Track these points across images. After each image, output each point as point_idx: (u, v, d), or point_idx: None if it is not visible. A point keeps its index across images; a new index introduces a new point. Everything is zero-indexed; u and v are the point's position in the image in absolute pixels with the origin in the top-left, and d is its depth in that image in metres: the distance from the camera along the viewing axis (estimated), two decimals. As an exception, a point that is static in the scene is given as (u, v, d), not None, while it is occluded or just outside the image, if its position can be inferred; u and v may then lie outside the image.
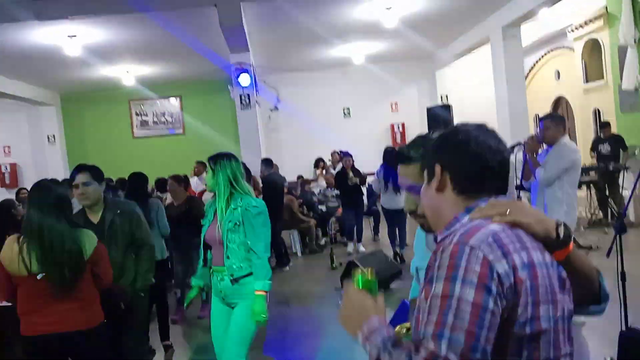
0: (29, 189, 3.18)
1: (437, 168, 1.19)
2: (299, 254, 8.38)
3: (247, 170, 5.41)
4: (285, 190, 8.50)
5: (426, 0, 7.58)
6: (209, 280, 3.06)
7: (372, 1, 7.31)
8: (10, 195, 10.88)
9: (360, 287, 1.21)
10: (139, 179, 4.80)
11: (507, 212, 1.11)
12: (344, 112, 12.53)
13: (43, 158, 12.33)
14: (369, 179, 8.20)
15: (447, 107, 10.60)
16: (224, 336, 2.95)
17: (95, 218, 3.19)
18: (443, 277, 1.03)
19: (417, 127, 11.55)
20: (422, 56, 11.65)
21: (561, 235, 1.13)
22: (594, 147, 8.43)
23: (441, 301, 1.01)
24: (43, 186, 2.76)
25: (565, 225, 1.15)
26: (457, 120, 10.92)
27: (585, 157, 8.46)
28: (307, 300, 6.04)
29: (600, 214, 8.14)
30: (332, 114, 12.30)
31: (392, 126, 12.42)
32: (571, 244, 1.16)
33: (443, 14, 8.22)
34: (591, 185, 8.20)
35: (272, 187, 7.53)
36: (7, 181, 12.45)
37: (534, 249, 1.09)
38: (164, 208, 5.13)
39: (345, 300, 1.22)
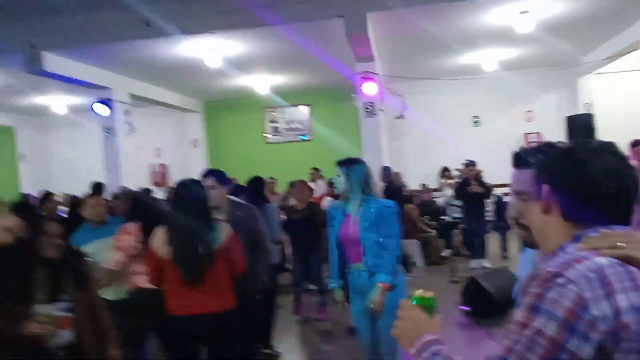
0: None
1: (545, 189, 1.09)
2: (420, 264, 8.22)
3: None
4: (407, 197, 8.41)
5: (566, 3, 7.02)
6: (346, 279, 3.19)
7: (505, 6, 6.96)
8: (162, 192, 12.21)
9: (415, 304, 1.22)
10: (258, 183, 5.04)
11: (621, 245, 0.97)
12: (472, 121, 12.05)
13: (188, 160, 13.59)
14: (498, 191, 7.78)
15: (590, 116, 9.67)
16: (370, 331, 3.10)
17: (226, 217, 3.42)
18: (527, 305, 0.95)
19: (555, 137, 10.68)
20: (561, 62, 10.77)
21: None
22: None
23: (518, 328, 0.95)
24: (185, 185, 3.10)
25: None
26: (601, 130, 9.92)
27: None
28: None
29: None
30: (460, 122, 11.90)
31: (526, 136, 11.65)
32: None
33: (585, 17, 7.55)
34: None
35: (391, 195, 7.50)
36: (159, 179, 13.93)
37: None
38: (287, 210, 5.37)
39: (400, 314, 1.22)
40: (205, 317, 2.90)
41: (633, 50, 8.80)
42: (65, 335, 2.51)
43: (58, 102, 11.85)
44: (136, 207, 3.85)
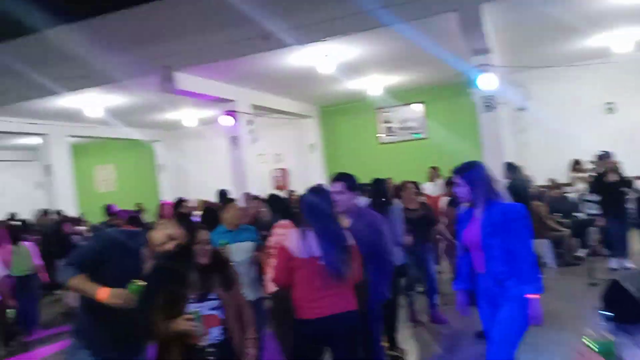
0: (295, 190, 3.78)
1: None
2: (552, 265, 7.69)
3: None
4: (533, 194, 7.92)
5: None
6: (473, 283, 3.13)
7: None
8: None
9: (598, 352, 1.09)
10: (381, 184, 5.01)
11: None
12: (605, 108, 11.00)
13: (306, 164, 14.06)
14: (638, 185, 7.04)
15: None
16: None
17: (344, 223, 3.46)
18: None
19: None
20: None
21: None
22: None
23: None
24: (318, 190, 3.28)
25: None
26: None
27: None
28: (559, 319, 5.46)
29: None
30: (590, 110, 10.94)
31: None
32: None
33: None
34: None
35: (515, 192, 7.12)
36: (280, 183, 14.60)
37: None
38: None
39: None
40: (334, 318, 2.96)
41: None
42: (215, 333, 2.73)
43: (189, 116, 12.92)
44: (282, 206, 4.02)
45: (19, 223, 9.80)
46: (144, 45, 8.12)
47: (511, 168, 7.59)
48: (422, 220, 5.34)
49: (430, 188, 8.84)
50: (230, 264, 3.08)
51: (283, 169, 14.66)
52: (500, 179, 7.32)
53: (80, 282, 2.51)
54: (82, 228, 9.03)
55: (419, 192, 6.17)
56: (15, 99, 9.41)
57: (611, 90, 10.83)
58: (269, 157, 14.46)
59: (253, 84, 10.34)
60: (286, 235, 3.17)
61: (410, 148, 12.96)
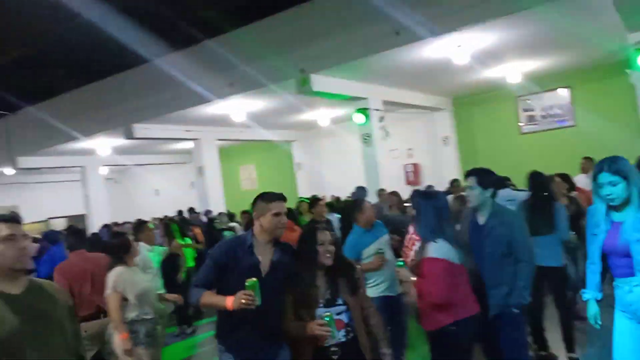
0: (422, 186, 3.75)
1: None
2: None
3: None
4: None
5: None
6: (610, 292, 2.84)
7: None
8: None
9: None
10: (540, 178, 4.64)
11: None
12: None
13: (439, 158, 13.74)
14: None
15: None
16: (633, 354, 2.70)
17: (482, 220, 3.38)
18: None
19: None
20: None
21: None
22: None
23: None
24: (431, 193, 3.30)
25: None
26: None
27: None
28: None
29: None
30: None
31: None
32: None
33: None
34: None
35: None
36: (411, 179, 14.46)
37: None
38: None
39: None
40: (476, 318, 3.00)
41: None
42: (340, 335, 2.74)
43: (323, 115, 13.35)
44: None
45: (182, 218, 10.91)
46: (282, 51, 8.59)
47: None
48: (573, 217, 4.92)
49: (583, 181, 8.08)
50: (355, 267, 3.03)
51: (415, 164, 14.48)
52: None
53: (208, 299, 2.80)
54: (233, 224, 9.79)
55: (570, 186, 5.69)
56: (174, 108, 10.52)
57: None
58: (401, 153, 14.39)
59: (385, 80, 10.36)
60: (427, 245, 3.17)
61: (555, 138, 12.01)
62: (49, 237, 7.37)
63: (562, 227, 4.34)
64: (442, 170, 13.37)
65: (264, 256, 2.85)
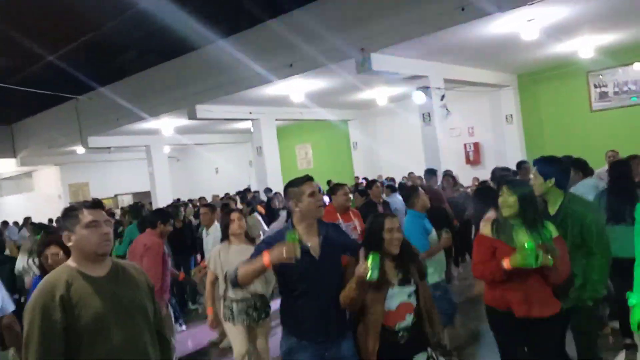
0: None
1: None
2: None
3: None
4: None
5: None
6: None
7: None
8: (475, 171, 12.33)
9: None
10: (624, 166, 4.33)
11: None
12: None
13: (502, 137, 13.28)
14: None
15: None
16: None
17: (552, 210, 3.23)
18: None
19: None
20: None
21: None
22: None
23: None
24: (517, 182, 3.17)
25: None
26: None
27: None
28: None
29: None
30: None
31: None
32: None
33: None
34: None
35: None
36: (472, 158, 14.08)
37: None
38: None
39: None
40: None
41: None
42: (408, 319, 2.79)
43: (381, 94, 13.16)
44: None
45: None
46: (342, 31, 8.48)
47: None
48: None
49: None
50: (417, 252, 3.05)
51: (476, 144, 14.08)
52: None
53: (244, 269, 2.71)
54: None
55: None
56: (235, 89, 10.68)
57: None
58: (462, 131, 14.01)
59: (446, 58, 10.05)
60: None
61: (630, 115, 11.31)
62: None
63: None
64: (506, 149, 12.93)
65: (312, 241, 2.82)
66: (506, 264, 2.84)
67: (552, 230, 2.98)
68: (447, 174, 8.59)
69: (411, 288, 2.80)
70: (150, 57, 11.25)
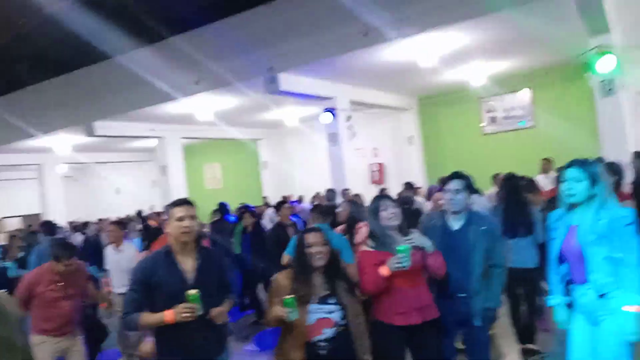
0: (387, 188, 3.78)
1: None
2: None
3: (615, 168, 4.81)
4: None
5: None
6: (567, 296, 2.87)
7: None
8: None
9: None
10: (516, 181, 4.69)
11: None
12: None
13: (404, 158, 13.89)
14: None
15: None
16: (590, 356, 2.74)
17: (456, 226, 3.33)
18: None
19: None
20: None
21: None
22: None
23: None
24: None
25: None
26: None
27: None
28: None
29: None
30: None
31: None
32: None
33: None
34: None
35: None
36: (376, 178, 14.57)
37: None
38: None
39: None
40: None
41: None
42: (328, 333, 2.81)
43: (290, 115, 13.28)
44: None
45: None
46: (250, 50, 8.48)
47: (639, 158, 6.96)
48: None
49: (542, 181, 8.32)
50: (346, 267, 3.09)
51: (380, 164, 14.60)
52: (626, 170, 6.75)
53: (146, 319, 2.74)
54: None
55: (532, 188, 5.80)
56: (138, 105, 10.25)
57: None
58: (367, 152, 14.47)
59: (352, 80, 10.40)
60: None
61: (516, 138, 12.34)
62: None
63: (538, 229, 4.40)
64: (407, 169, 13.54)
65: (186, 263, 2.83)
66: (384, 270, 2.96)
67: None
68: (347, 193, 8.84)
69: (334, 304, 2.83)
70: (46, 70, 10.48)
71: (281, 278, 2.91)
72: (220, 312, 2.79)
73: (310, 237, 2.88)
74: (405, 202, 6.78)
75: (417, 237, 3.08)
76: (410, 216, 4.18)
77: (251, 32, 8.56)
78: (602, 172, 2.77)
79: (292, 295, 2.71)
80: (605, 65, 7.28)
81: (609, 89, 7.50)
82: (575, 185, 2.71)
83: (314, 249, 2.85)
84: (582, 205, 2.74)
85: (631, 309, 2.56)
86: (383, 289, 3.03)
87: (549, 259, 2.93)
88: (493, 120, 12.90)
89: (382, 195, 3.56)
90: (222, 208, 8.25)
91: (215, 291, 2.85)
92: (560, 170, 2.85)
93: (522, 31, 7.72)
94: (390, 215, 3.12)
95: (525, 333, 4.54)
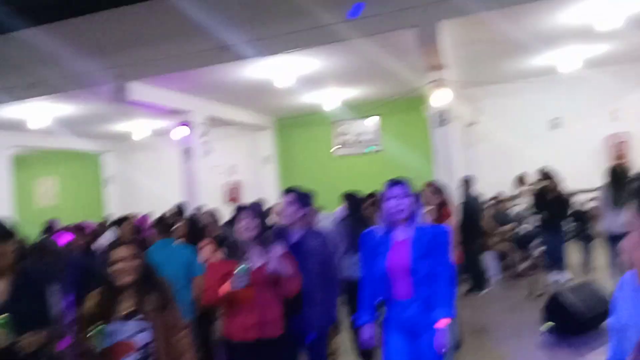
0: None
1: None
2: (497, 278, 7.87)
3: (439, 190, 5.29)
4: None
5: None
6: (385, 311, 2.95)
7: (586, 3, 6.63)
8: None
9: None
10: (356, 198, 4.87)
11: None
12: (551, 124, 11.51)
13: (260, 176, 13.91)
14: (580, 198, 7.38)
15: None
16: None
17: (294, 239, 3.36)
18: None
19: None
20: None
21: None
22: None
23: None
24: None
25: None
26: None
27: None
28: (502, 330, 5.58)
29: None
30: (537, 126, 11.40)
31: (612, 137, 11.00)
32: None
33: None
34: None
35: (470, 206, 7.32)
36: (233, 196, 14.35)
37: None
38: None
39: None
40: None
41: None
42: (131, 358, 2.52)
43: (141, 127, 12.53)
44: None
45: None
46: (98, 54, 7.83)
47: (467, 183, 7.78)
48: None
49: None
50: (164, 282, 2.81)
51: (236, 182, 14.45)
52: (454, 193, 7.50)
53: None
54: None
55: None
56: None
57: (557, 107, 11.34)
58: (224, 170, 14.22)
59: (209, 95, 10.18)
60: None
61: (365, 161, 13.09)
62: None
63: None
64: (263, 188, 13.56)
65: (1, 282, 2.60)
66: (223, 288, 2.90)
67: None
68: (207, 212, 8.54)
69: (138, 323, 2.56)
70: None
71: (89, 300, 2.62)
72: (29, 342, 2.48)
73: (115, 253, 2.62)
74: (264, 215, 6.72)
75: (256, 258, 3.02)
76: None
77: (101, 35, 7.95)
78: (412, 192, 2.94)
79: (97, 323, 2.46)
80: (439, 98, 8.08)
81: (442, 120, 8.32)
82: (403, 202, 2.85)
83: (119, 265, 2.59)
84: (404, 222, 2.88)
85: (442, 321, 2.75)
86: (227, 304, 2.95)
87: (363, 277, 2.99)
88: (344, 143, 13.55)
89: (242, 207, 3.45)
90: (49, 227, 7.34)
91: (33, 318, 2.54)
92: (385, 188, 2.93)
93: (371, 62, 8.24)
94: (246, 227, 3.04)
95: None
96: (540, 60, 9.68)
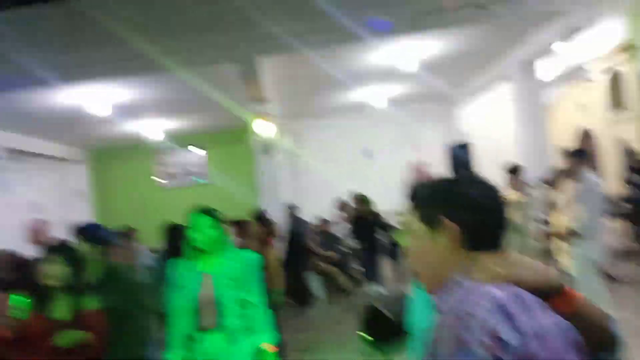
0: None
1: (445, 220, 1.10)
2: (321, 297, 8.29)
3: (265, 219, 5.42)
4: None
5: (443, 43, 7.67)
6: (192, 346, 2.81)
7: (390, 46, 7.42)
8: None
9: None
10: (177, 231, 4.68)
11: (506, 268, 1.05)
12: (364, 154, 12.62)
13: (72, 213, 12.58)
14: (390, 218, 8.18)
15: (465, 147, 10.61)
16: None
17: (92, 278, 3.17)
18: (449, 354, 0.98)
19: (440, 166, 11.62)
20: (441, 97, 11.74)
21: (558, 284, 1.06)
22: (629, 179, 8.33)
23: None
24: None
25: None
26: (477, 158, 10.89)
27: (619, 189, 8.37)
28: (326, 346, 5.92)
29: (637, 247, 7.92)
30: (352, 155, 12.44)
31: (416, 167, 12.46)
32: (576, 294, 1.07)
33: (460, 54, 8.28)
34: (625, 216, 8.04)
35: (295, 230, 7.64)
36: (37, 237, 12.71)
37: (541, 311, 0.98)
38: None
39: None
40: None
41: (500, 82, 9.84)
42: None
43: None
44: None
45: None
46: None
47: (292, 209, 8.09)
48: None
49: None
50: None
51: (42, 220, 12.86)
52: (280, 219, 7.73)
53: None
54: None
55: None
56: None
57: (368, 139, 12.50)
58: (25, 207, 12.56)
59: (8, 125, 8.97)
60: None
61: (193, 193, 12.72)
62: None
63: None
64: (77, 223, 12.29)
65: None
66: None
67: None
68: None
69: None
70: None
71: None
72: None
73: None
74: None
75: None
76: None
77: None
78: (217, 221, 2.90)
79: None
80: (263, 129, 8.32)
81: (266, 150, 8.57)
82: (211, 232, 2.83)
83: None
84: (211, 252, 2.83)
85: (269, 347, 2.77)
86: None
87: (171, 311, 2.87)
88: (169, 175, 13.04)
89: (53, 248, 3.03)
90: None
91: None
92: (191, 219, 2.88)
93: (194, 93, 8.11)
94: (51, 272, 2.78)
95: None
96: (353, 96, 10.57)
